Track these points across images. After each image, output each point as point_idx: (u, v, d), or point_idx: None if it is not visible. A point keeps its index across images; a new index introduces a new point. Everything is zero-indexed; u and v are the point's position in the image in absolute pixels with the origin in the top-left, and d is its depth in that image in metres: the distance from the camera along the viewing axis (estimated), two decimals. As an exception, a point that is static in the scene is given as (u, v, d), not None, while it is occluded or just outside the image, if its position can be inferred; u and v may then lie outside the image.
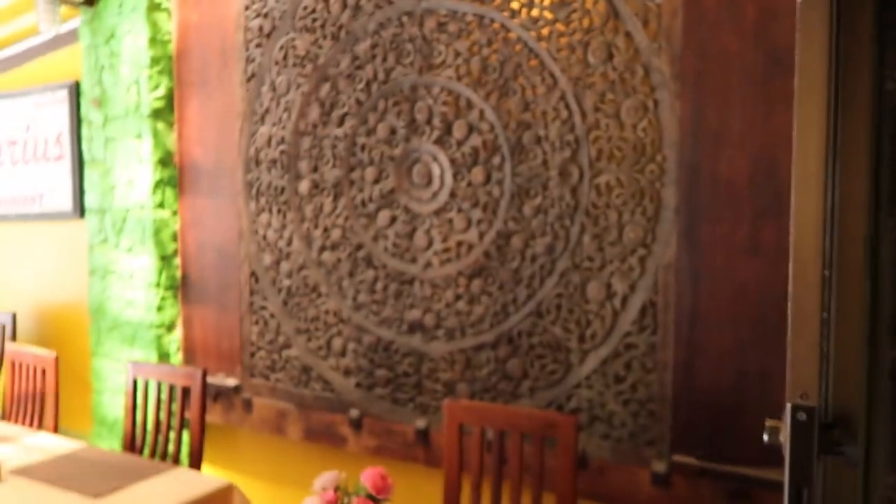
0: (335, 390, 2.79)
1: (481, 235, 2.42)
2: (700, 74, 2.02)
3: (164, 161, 3.26)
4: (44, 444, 2.45)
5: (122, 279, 3.36)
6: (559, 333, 2.29)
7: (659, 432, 2.12)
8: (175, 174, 3.29)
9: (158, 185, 3.24)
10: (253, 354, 3.03)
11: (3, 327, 4.04)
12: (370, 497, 1.53)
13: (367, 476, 1.43)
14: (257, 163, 2.98)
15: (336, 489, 1.55)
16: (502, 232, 2.38)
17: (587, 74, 2.20)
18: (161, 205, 3.26)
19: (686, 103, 2.05)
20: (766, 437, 0.90)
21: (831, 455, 0.87)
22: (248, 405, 3.03)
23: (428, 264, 2.54)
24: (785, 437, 0.85)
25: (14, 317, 4.03)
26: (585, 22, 2.19)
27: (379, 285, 2.66)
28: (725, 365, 2.01)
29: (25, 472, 2.18)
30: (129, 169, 3.30)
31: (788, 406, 0.88)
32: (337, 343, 2.78)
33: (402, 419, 2.62)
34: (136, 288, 3.31)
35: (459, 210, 2.47)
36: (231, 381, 3.08)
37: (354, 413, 2.72)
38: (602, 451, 2.22)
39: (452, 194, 2.48)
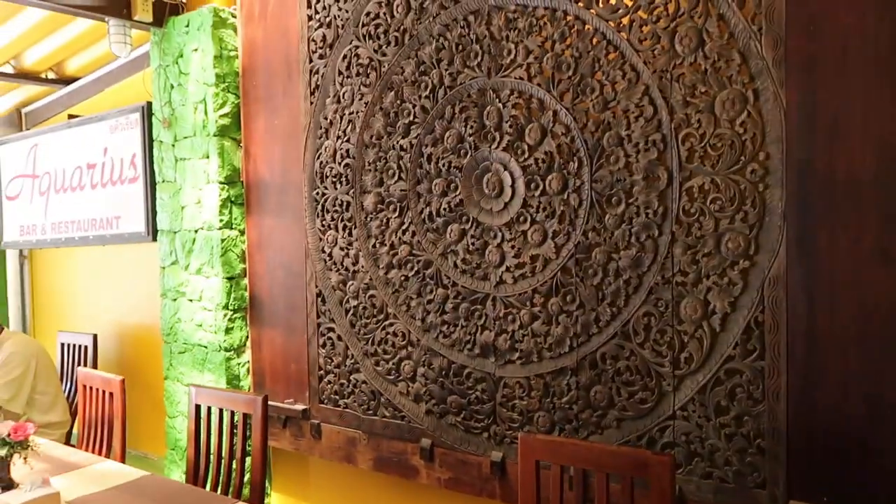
0: (405, 417, 2.62)
1: (558, 249, 2.20)
2: (810, 57, 1.75)
3: (231, 179, 3.20)
4: (108, 473, 2.38)
5: (192, 301, 3.32)
6: (649, 357, 2.04)
7: (772, 472, 1.83)
8: (242, 193, 3.22)
9: (225, 204, 3.18)
10: (321, 378, 2.90)
11: (85, 348, 4.09)
12: None
13: None
14: (322, 178, 2.86)
15: None
16: (582, 244, 2.15)
17: (674, 66, 1.96)
18: (229, 224, 3.19)
19: (793, 92, 1.78)
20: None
21: None
22: (317, 432, 2.90)
23: (501, 281, 2.34)
24: None
25: (95, 338, 4.07)
26: (671, 7, 1.95)
27: (449, 305, 2.48)
28: (853, 394, 1.71)
29: (85, 503, 2.10)
30: (198, 189, 3.26)
31: None
32: (406, 367, 2.61)
33: (477, 450, 2.42)
34: (205, 310, 3.25)
35: (534, 221, 2.26)
36: (299, 407, 2.96)
37: (426, 442, 2.54)
38: (703, 492, 1.94)
39: (526, 205, 2.27)
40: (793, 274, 1.79)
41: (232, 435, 2.47)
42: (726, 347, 1.90)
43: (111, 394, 2.72)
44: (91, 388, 2.85)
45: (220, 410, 2.49)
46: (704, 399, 1.94)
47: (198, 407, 2.54)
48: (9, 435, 2.05)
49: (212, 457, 2.52)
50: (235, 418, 2.46)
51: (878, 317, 1.67)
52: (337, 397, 2.84)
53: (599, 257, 2.12)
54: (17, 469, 2.13)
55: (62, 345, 4.23)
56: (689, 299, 1.96)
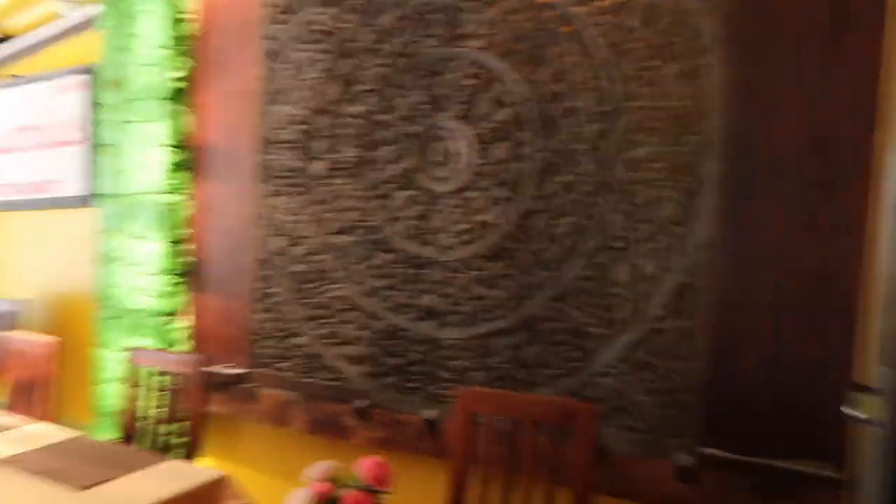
0: (343, 379, 2.65)
1: (502, 216, 2.29)
2: (754, 36, 1.89)
3: (180, 144, 3.18)
4: (39, 434, 2.33)
5: (131, 266, 3.26)
6: (582, 318, 2.13)
7: (687, 424, 1.94)
8: (190, 158, 3.20)
9: (172, 168, 3.15)
10: (260, 343, 2.90)
11: (13, 315, 3.96)
12: (366, 489, 1.37)
13: (364, 465, 1.27)
14: (273, 144, 2.88)
15: (331, 480, 1.40)
16: (526, 211, 2.24)
17: (626, 40, 2.07)
18: (174, 189, 3.16)
19: (734, 68, 1.91)
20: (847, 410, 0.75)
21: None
22: (253, 395, 2.89)
23: (445, 247, 2.41)
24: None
25: (25, 304, 3.95)
26: (623, -14, 2.07)
27: (393, 269, 2.53)
28: (770, 353, 1.84)
29: (15, 462, 2.05)
30: (144, 153, 3.22)
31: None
32: (347, 330, 2.64)
33: (412, 409, 2.47)
34: (144, 275, 3.20)
35: (482, 189, 2.34)
36: (238, 370, 2.94)
37: (362, 403, 2.57)
38: (625, 444, 2.04)
39: (475, 172, 2.35)
40: (724, 240, 1.92)
41: (168, 396, 2.44)
42: (656, 309, 2.01)
43: (43, 357, 2.66)
44: (22, 351, 2.78)
45: (158, 372, 2.47)
46: (632, 357, 2.04)
47: (134, 368, 2.51)
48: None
49: (147, 419, 2.49)
50: (173, 380, 2.44)
51: (801, 283, 1.81)
52: (275, 361, 2.85)
53: (541, 224, 2.21)
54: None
55: (-12, 310, 4.09)
56: (623, 263, 2.07)
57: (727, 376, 1.90)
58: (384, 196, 2.55)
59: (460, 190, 2.38)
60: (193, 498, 1.87)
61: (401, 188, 2.51)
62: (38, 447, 2.18)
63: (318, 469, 1.41)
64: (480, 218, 2.33)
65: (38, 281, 4.24)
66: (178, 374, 2.39)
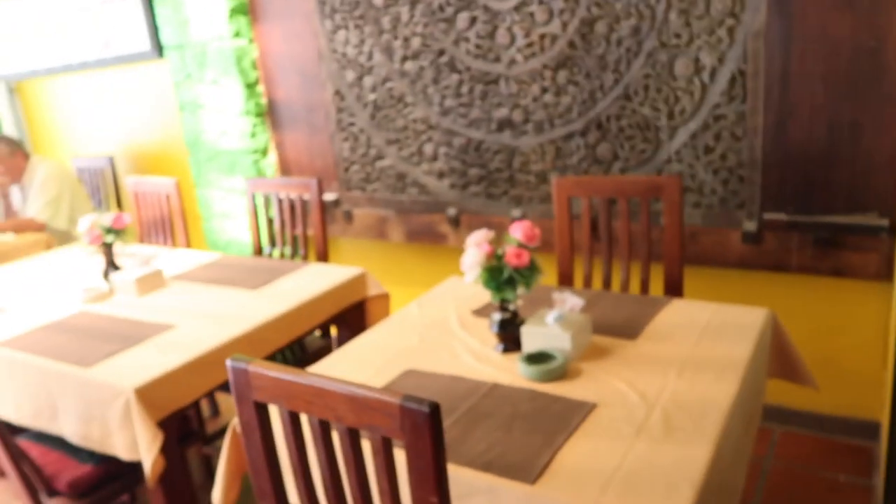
0: (431, 193, 3.00)
1: (564, 25, 2.47)
2: None
3: (235, -12, 3.30)
4: (187, 257, 2.76)
5: (212, 111, 3.54)
6: (648, 113, 2.39)
7: (749, 194, 2.27)
8: (247, 0, 3.34)
9: (233, 13, 3.30)
10: (347, 169, 3.23)
11: (102, 172, 4.33)
12: (521, 245, 1.66)
13: (517, 228, 1.58)
14: (328, -21, 3.00)
15: (490, 243, 1.68)
16: (586, 19, 2.42)
17: None
18: (238, 34, 3.34)
19: None
20: None
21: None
22: (348, 216, 3.28)
23: (512, 62, 2.62)
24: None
25: (112, 160, 4.30)
26: None
27: (464, 88, 2.76)
28: (816, 121, 2.11)
29: (183, 277, 2.49)
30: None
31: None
32: (428, 148, 2.94)
33: (498, 212, 2.83)
34: (226, 118, 3.48)
35: (540, 2, 2.49)
36: (330, 196, 3.31)
37: (452, 211, 2.94)
38: (693, 218, 2.39)
39: (532, -13, 2.50)
40: (772, 26, 2.10)
41: (291, 215, 2.80)
42: (715, 97, 2.25)
43: (167, 196, 3.04)
44: (145, 193, 3.16)
45: (278, 196, 2.81)
46: (696, 143, 2.33)
47: (253, 196, 2.88)
48: (112, 225, 2.39)
49: (275, 236, 2.88)
50: (292, 203, 2.79)
51: (841, 55, 2.02)
52: (364, 184, 3.20)
53: (602, 29, 2.40)
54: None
55: (78, 170, 4.46)
56: (682, 59, 2.28)
57: (784, 147, 2.18)
58: (446, 19, 2.72)
59: (520, 5, 2.53)
60: (345, 288, 2.29)
61: (461, 10, 2.67)
62: (196, 265, 2.60)
63: (476, 236, 1.68)
64: (542, 30, 2.51)
65: (120, 136, 4.55)
66: (293, 196, 2.74)
